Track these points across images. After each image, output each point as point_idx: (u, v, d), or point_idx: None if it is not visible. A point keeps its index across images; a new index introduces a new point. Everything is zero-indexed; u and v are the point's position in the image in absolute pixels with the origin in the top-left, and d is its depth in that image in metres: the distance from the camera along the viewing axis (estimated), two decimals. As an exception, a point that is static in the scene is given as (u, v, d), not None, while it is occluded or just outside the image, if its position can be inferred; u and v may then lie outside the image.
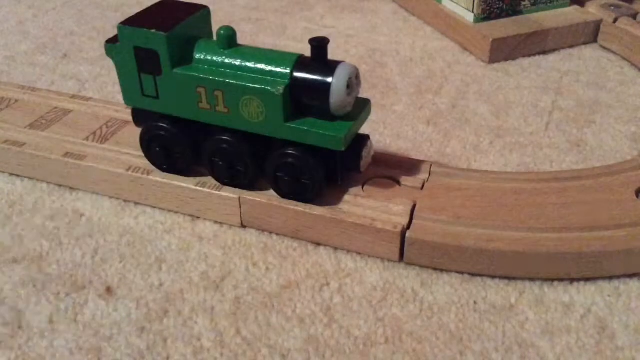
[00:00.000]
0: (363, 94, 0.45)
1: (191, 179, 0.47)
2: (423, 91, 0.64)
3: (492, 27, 0.70)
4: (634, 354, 0.37)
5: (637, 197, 0.45)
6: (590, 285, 0.42)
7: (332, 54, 0.42)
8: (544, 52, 0.71)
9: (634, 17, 0.72)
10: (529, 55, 0.70)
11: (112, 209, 0.48)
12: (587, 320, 0.39)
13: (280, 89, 0.41)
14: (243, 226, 0.46)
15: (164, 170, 0.47)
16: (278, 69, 0.42)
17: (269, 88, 0.41)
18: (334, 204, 0.44)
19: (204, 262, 0.44)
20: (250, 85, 0.41)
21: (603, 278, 0.42)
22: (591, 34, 0.73)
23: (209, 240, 0.46)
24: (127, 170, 0.48)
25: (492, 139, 0.57)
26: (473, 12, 0.71)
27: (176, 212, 0.48)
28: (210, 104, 0.43)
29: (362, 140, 0.44)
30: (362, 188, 0.46)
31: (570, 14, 0.73)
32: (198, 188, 0.46)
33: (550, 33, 0.70)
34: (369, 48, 0.73)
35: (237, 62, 0.43)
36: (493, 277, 0.42)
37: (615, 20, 0.71)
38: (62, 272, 0.43)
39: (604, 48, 0.72)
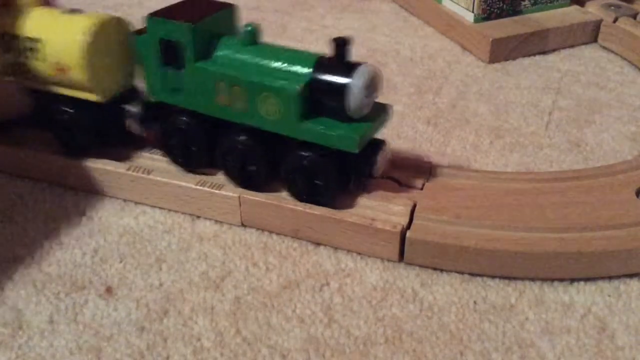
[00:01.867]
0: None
1: (191, 178, 0.47)
2: (423, 91, 0.64)
3: (492, 27, 0.70)
4: (634, 354, 0.37)
5: (637, 197, 0.45)
6: (590, 285, 0.42)
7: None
8: (544, 52, 0.71)
9: (634, 17, 0.72)
10: (529, 55, 0.70)
11: (112, 209, 0.48)
12: (587, 320, 0.39)
13: (298, 87, 0.41)
14: (243, 226, 0.46)
15: (180, 166, 0.48)
16: (298, 68, 0.42)
17: (286, 86, 0.41)
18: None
19: (204, 262, 0.44)
20: (269, 82, 0.41)
21: (603, 278, 0.42)
22: (591, 34, 0.73)
23: (209, 240, 0.46)
24: (127, 170, 0.48)
25: (492, 139, 0.57)
26: (473, 12, 0.71)
27: (176, 212, 0.48)
28: (229, 100, 0.43)
29: (378, 144, 0.44)
30: (362, 188, 0.46)
31: (570, 14, 0.73)
32: (198, 187, 0.46)
33: (550, 33, 0.70)
34: (369, 48, 0.73)
35: (258, 59, 0.43)
36: (493, 277, 0.42)
37: (615, 20, 0.71)
38: (62, 272, 0.43)
39: (604, 48, 0.72)
